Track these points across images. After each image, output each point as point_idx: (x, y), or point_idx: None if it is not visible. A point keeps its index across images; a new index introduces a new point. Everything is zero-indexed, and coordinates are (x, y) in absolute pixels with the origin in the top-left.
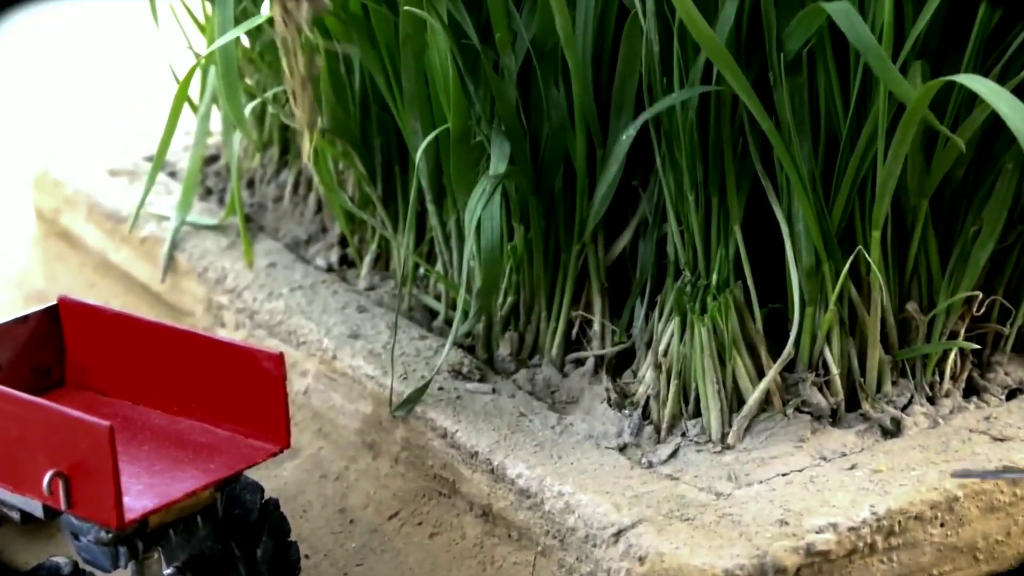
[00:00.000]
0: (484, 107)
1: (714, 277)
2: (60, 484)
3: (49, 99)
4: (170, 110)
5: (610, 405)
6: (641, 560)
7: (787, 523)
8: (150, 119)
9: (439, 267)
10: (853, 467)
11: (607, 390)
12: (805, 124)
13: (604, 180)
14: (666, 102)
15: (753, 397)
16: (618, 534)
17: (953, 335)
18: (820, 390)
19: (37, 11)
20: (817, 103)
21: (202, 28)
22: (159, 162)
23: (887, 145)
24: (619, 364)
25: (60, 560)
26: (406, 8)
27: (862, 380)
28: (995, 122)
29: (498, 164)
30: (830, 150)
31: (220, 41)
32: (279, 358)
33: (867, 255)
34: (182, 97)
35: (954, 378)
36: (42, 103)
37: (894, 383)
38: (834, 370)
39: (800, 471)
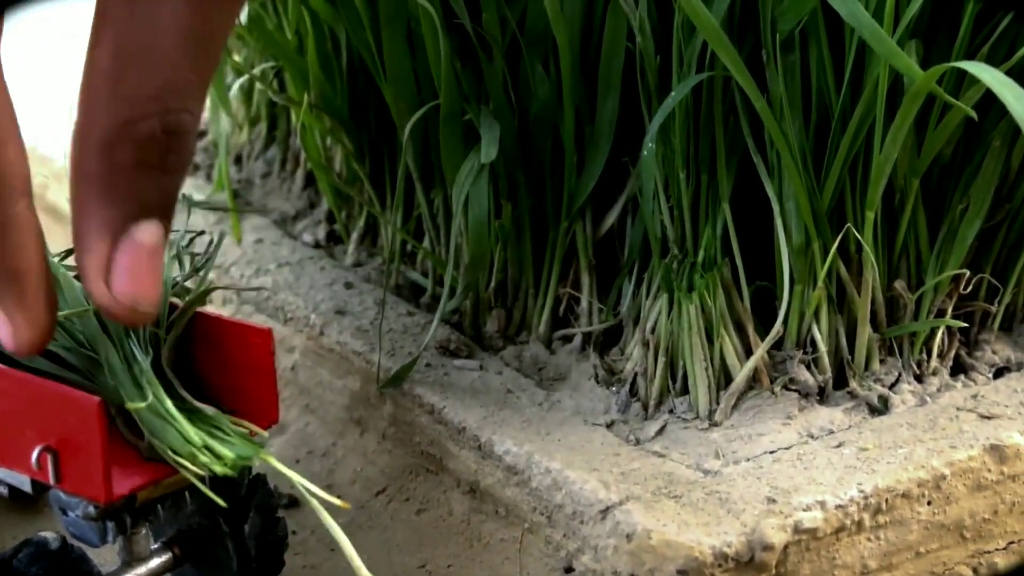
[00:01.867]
0: (472, 86)
1: (701, 254)
2: (49, 459)
3: (46, 95)
4: None
5: (598, 382)
6: (628, 537)
7: (774, 501)
8: None
9: (426, 243)
10: (840, 445)
11: (595, 367)
12: (797, 102)
13: (592, 157)
14: (669, 104)
15: (741, 375)
16: (605, 511)
17: (941, 313)
18: (808, 368)
19: (36, 11)
20: (809, 81)
21: None
22: None
23: (885, 125)
24: (607, 341)
25: (48, 535)
26: None
27: (850, 358)
28: (983, 100)
29: (489, 149)
30: (822, 128)
31: None
32: (268, 334)
33: (857, 234)
34: None
35: (941, 356)
36: (39, 98)
37: (882, 361)
38: (822, 348)
39: (787, 449)
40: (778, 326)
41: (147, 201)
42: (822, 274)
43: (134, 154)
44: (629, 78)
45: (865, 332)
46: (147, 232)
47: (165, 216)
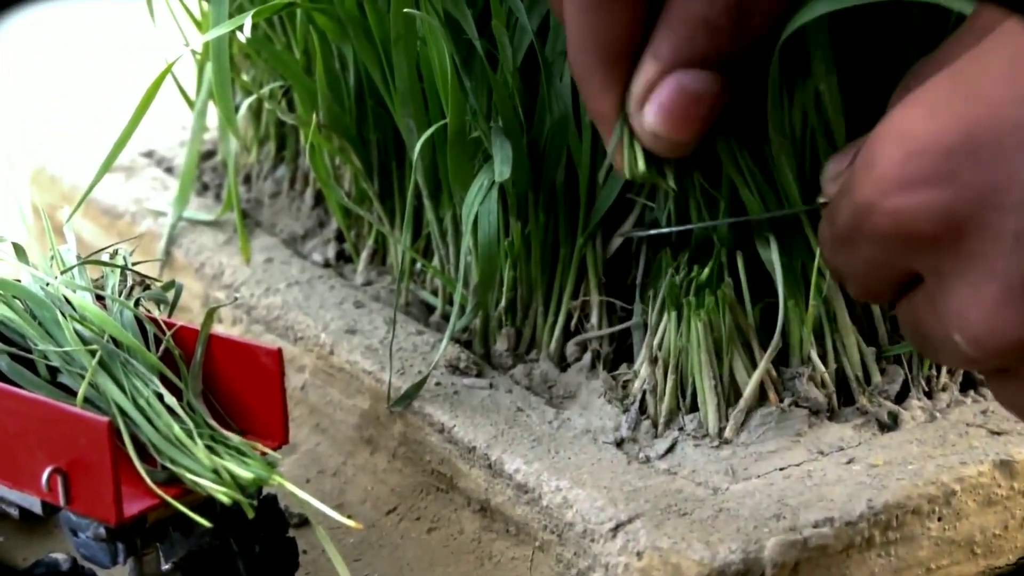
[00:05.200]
0: (480, 103)
1: (708, 271)
2: (59, 480)
3: (47, 97)
4: (140, 102)
5: (607, 400)
6: (639, 555)
7: (784, 518)
8: (147, 115)
9: (436, 262)
10: (850, 461)
11: (604, 385)
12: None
13: (613, 174)
14: None
15: (747, 390)
16: (616, 529)
17: None
18: (816, 384)
19: (36, 11)
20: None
21: (199, 25)
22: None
23: None
24: (616, 359)
25: (59, 556)
26: (404, 11)
27: (858, 375)
28: None
29: (503, 168)
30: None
31: (209, 35)
32: (277, 353)
33: None
34: (154, 90)
35: (951, 372)
36: (40, 101)
37: (883, 372)
38: (820, 367)
39: (797, 465)
40: (776, 339)
41: (705, 55)
42: (820, 290)
43: (706, 18)
44: None
45: (872, 349)
46: (692, 78)
47: (721, 72)
